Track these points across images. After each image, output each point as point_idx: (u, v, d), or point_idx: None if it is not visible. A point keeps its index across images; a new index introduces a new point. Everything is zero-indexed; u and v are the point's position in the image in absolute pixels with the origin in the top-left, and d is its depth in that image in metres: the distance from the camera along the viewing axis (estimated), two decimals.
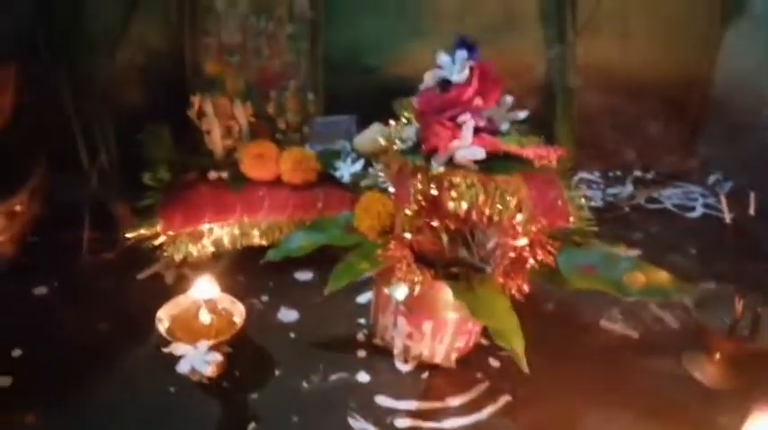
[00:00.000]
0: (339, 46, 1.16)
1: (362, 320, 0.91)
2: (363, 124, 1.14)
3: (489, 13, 1.22)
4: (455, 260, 0.69)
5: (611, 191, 1.34)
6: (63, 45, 0.93)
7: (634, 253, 1.11)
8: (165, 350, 0.72)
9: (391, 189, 0.86)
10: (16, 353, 0.80)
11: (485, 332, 0.85)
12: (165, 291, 0.94)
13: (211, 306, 0.82)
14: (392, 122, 1.07)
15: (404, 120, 1.09)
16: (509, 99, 0.73)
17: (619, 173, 1.39)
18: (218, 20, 1.05)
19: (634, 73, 1.29)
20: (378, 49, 1.20)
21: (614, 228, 1.17)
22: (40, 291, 0.91)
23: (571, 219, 1.01)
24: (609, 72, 1.28)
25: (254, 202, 0.96)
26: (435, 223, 0.68)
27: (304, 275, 0.99)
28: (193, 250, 0.94)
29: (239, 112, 1.02)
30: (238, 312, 0.81)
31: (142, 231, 0.91)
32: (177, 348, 0.71)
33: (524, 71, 1.22)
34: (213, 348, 0.73)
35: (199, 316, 0.81)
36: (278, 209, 0.96)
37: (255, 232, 0.95)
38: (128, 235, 0.90)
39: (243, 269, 0.97)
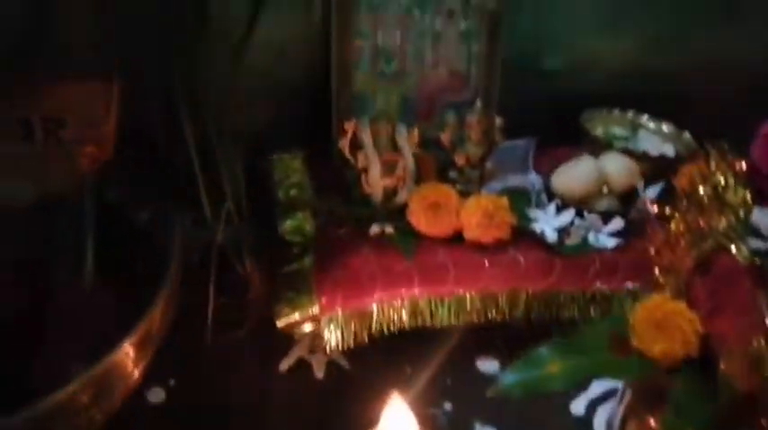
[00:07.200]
0: (513, 45, 0.89)
1: None
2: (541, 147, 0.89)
3: None
4: None
5: None
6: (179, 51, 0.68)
7: None
8: None
9: (656, 271, 0.60)
10: None
11: None
12: (317, 392, 0.71)
13: None
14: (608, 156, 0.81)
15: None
16: None
17: None
18: (373, 16, 0.78)
19: None
20: (559, 49, 0.92)
21: None
22: (157, 396, 0.68)
23: None
24: None
25: (435, 272, 0.71)
26: None
27: (488, 365, 0.75)
28: (351, 335, 0.70)
29: (404, 143, 0.76)
30: None
31: (296, 317, 0.66)
32: None
33: None
34: None
35: None
36: (468, 281, 0.71)
37: (439, 312, 0.71)
38: (278, 323, 0.66)
39: (411, 360, 0.73)
